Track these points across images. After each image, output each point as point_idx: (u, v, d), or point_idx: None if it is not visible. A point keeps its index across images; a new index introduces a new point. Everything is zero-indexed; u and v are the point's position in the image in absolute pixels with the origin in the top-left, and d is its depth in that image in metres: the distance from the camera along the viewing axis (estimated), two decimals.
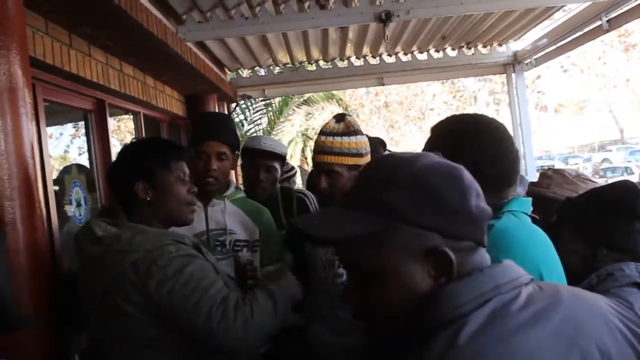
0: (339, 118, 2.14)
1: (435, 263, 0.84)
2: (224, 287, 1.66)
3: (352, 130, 2.09)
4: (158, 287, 1.60)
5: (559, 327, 0.80)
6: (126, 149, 1.92)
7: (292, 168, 3.77)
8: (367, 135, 2.33)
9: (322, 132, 2.12)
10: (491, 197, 1.30)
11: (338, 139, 2.07)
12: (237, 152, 2.45)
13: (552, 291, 0.88)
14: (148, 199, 1.79)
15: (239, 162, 2.76)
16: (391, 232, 0.84)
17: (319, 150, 2.10)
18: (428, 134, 1.53)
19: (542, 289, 0.88)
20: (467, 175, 0.88)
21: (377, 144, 2.48)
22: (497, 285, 0.83)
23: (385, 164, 0.91)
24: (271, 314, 1.67)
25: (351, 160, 2.06)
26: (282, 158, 2.77)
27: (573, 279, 1.41)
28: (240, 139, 2.52)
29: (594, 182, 2.49)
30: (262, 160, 2.69)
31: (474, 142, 1.38)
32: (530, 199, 1.49)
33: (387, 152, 3.07)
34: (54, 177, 2.82)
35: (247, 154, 2.77)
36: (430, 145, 1.45)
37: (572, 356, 0.77)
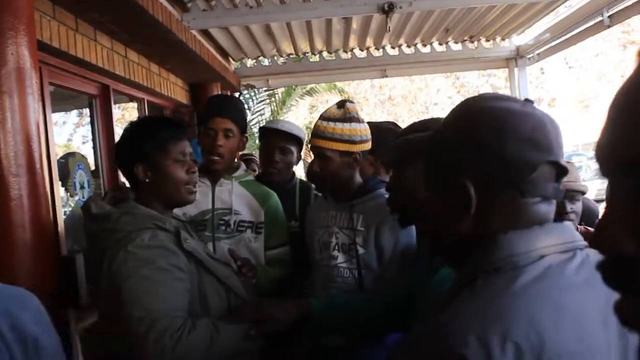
0: (341, 104, 2.16)
1: (461, 194, 0.91)
2: (167, 304, 1.62)
3: (348, 117, 2.11)
4: (113, 275, 1.64)
5: (607, 297, 0.83)
6: (127, 130, 1.94)
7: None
8: (387, 122, 2.34)
9: (321, 116, 2.15)
10: None
11: (332, 124, 2.09)
12: (245, 134, 2.46)
13: None
14: (147, 180, 1.82)
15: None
16: (435, 159, 0.98)
17: (314, 133, 2.14)
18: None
19: (591, 258, 0.91)
20: (525, 125, 0.91)
21: (388, 130, 2.47)
22: (554, 244, 0.88)
23: (460, 103, 1.02)
24: (198, 352, 1.61)
25: (343, 147, 2.09)
26: (298, 141, 2.77)
27: None
28: None
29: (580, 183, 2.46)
30: (278, 141, 2.70)
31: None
32: None
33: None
34: (59, 159, 2.87)
35: (265, 135, 2.79)
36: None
37: (607, 328, 0.80)
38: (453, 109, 1.01)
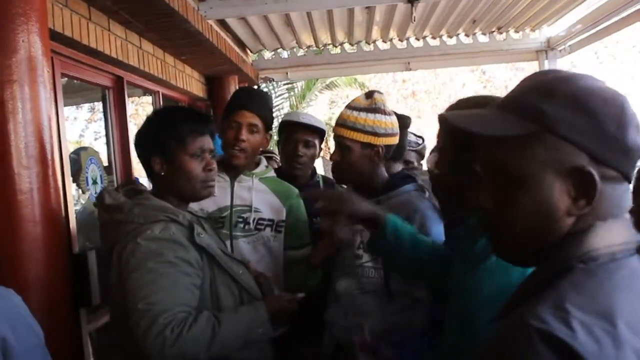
0: (369, 94, 2.10)
1: (578, 182, 0.82)
2: (171, 298, 1.62)
3: (373, 108, 2.04)
4: (122, 267, 1.66)
5: None
6: (148, 119, 1.91)
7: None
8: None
9: (347, 105, 2.09)
10: None
11: (355, 113, 2.03)
12: (269, 131, 2.38)
13: None
14: (162, 173, 1.80)
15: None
16: (540, 140, 0.83)
17: (337, 121, 2.09)
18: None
19: None
20: (631, 108, 0.85)
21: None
22: None
23: (549, 76, 0.89)
24: (200, 347, 1.61)
25: (364, 138, 2.02)
26: (321, 133, 2.71)
27: None
28: None
29: None
30: (300, 135, 2.64)
31: None
32: None
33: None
34: (70, 153, 2.80)
35: (285, 129, 2.72)
36: None
37: None
38: (542, 80, 0.88)
